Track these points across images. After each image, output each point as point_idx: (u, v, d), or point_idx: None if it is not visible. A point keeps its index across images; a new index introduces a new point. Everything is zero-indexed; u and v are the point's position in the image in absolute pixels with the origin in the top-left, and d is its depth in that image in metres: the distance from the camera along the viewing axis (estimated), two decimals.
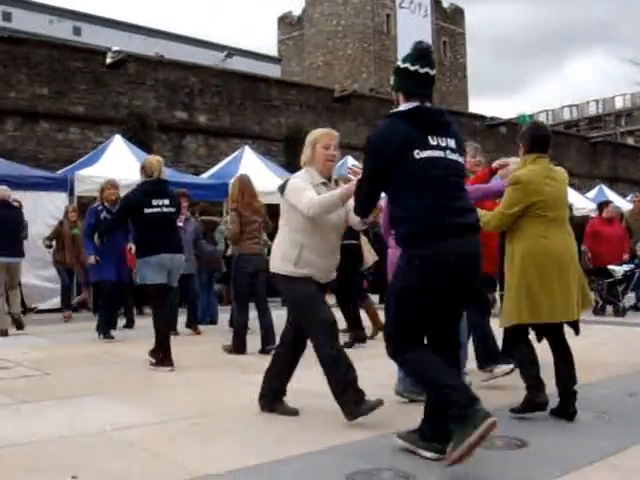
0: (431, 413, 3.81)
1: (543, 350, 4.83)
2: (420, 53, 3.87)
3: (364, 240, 8.66)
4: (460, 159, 3.85)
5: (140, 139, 16.51)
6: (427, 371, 3.68)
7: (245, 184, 8.19)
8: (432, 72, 3.87)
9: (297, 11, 60.98)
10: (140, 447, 4.09)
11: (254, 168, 15.74)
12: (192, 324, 9.98)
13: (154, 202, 7.01)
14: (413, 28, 55.30)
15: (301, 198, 4.51)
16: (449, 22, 60.06)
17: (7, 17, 37.44)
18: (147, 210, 6.97)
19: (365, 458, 3.74)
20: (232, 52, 36.39)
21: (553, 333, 4.77)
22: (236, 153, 17.01)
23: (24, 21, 35.91)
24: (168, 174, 13.46)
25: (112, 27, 39.40)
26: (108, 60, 18.77)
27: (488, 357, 5.72)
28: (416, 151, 3.67)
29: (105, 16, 42.09)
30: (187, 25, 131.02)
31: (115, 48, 19.39)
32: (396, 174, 3.73)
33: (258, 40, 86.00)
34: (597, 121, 69.18)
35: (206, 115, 20.28)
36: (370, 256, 8.76)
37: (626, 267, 11.69)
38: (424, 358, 3.71)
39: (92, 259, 9.11)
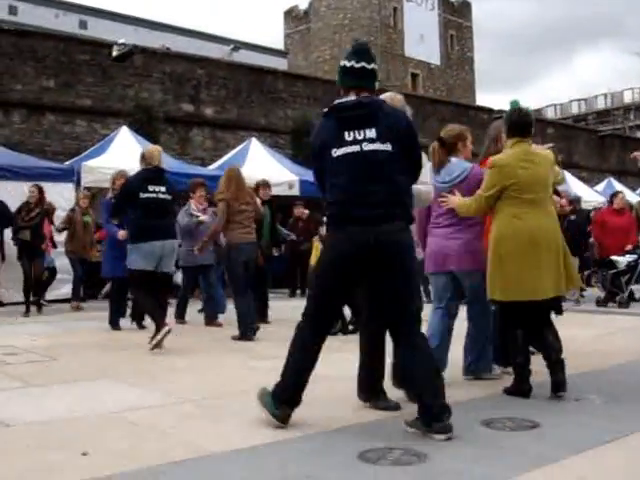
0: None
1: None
2: (354, 50, 4.16)
3: None
4: (383, 147, 3.93)
5: (146, 131, 16.48)
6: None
7: (233, 174, 8.33)
8: (369, 66, 4.10)
9: (303, 5, 60.87)
10: (148, 426, 4.11)
11: (261, 160, 15.73)
12: (210, 319, 9.52)
13: (150, 188, 7.26)
14: (420, 21, 55.65)
15: None
16: (456, 15, 59.84)
17: (13, 11, 37.47)
18: (143, 195, 7.22)
19: (378, 437, 3.73)
20: (238, 46, 36.28)
21: (537, 315, 4.82)
22: (243, 145, 16.99)
23: (30, 15, 35.94)
24: (174, 165, 13.64)
25: (118, 21, 39.44)
26: (114, 53, 18.70)
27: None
28: (333, 150, 3.96)
29: (111, 10, 42.19)
30: (193, 19, 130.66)
31: (121, 40, 19.33)
32: (323, 171, 4.08)
33: (264, 34, 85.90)
34: (606, 115, 68.80)
35: (213, 107, 20.25)
36: None
37: (629, 258, 11.58)
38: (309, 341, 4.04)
39: (122, 233, 8.61)
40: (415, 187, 4.29)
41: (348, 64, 4.09)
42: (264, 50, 44.75)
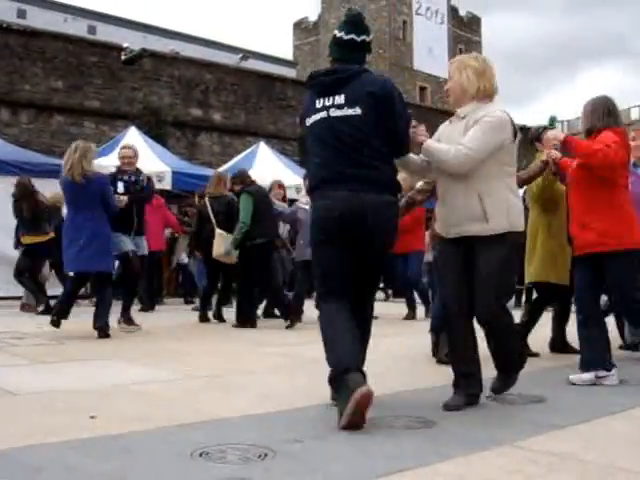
0: None
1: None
2: (346, 20, 4.00)
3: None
4: (350, 111, 3.76)
5: (155, 134, 16.47)
6: (326, 328, 3.74)
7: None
8: (358, 38, 3.92)
9: (313, 17, 61.15)
10: (158, 397, 4.17)
11: (269, 163, 15.69)
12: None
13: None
14: (429, 35, 55.81)
15: None
16: (466, 30, 60.05)
17: (22, 14, 37.67)
18: None
19: (386, 408, 3.76)
20: (247, 55, 36.30)
21: None
22: (251, 148, 16.98)
23: (39, 19, 36.05)
24: (182, 165, 13.82)
25: (127, 27, 39.62)
26: (122, 57, 18.74)
27: None
28: (307, 120, 3.92)
29: (120, 16, 42.41)
30: (202, 28, 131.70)
31: (125, 44, 19.33)
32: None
33: (273, 45, 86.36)
34: None
35: (221, 113, 20.30)
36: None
37: None
38: (330, 316, 3.77)
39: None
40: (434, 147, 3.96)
41: (338, 34, 3.96)
42: (273, 60, 44.87)
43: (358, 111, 3.75)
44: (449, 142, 3.94)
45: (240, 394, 4.26)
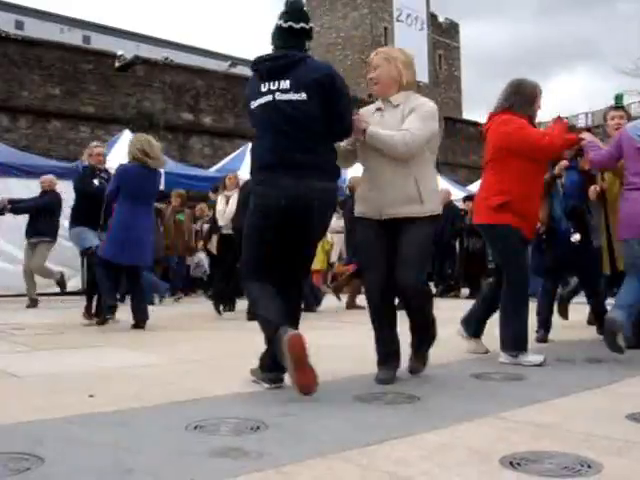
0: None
1: None
2: (286, 9, 3.99)
3: None
4: (296, 96, 3.80)
5: None
6: (257, 304, 3.91)
7: None
8: (297, 25, 3.94)
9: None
10: (153, 378, 4.29)
11: None
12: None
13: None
14: (409, 41, 56.50)
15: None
16: (444, 36, 60.91)
17: (20, 25, 38.25)
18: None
19: (372, 386, 3.93)
20: (236, 62, 37.03)
21: None
22: (240, 150, 17.62)
23: (36, 29, 36.54)
24: (174, 166, 14.53)
25: (120, 36, 40.17)
26: (116, 64, 19.50)
27: None
28: (252, 102, 3.92)
29: (114, 26, 42.86)
30: (193, 36, 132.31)
31: (119, 52, 20.09)
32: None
33: (261, 52, 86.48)
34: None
35: (211, 117, 20.91)
36: None
37: None
38: (260, 293, 3.86)
39: None
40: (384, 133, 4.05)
41: (277, 23, 3.98)
42: None
43: (303, 96, 3.79)
44: (387, 129, 4.05)
45: (232, 375, 4.32)
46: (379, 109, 4.24)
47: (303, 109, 3.79)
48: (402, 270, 4.00)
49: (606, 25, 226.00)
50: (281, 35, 3.97)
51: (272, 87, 3.83)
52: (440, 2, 56.68)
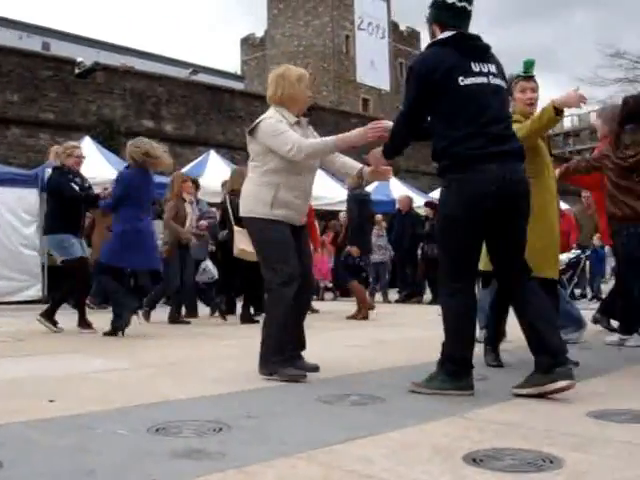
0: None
1: None
2: None
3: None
4: (503, 83, 3.80)
5: (108, 144, 17.00)
6: (451, 322, 3.77)
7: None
8: (469, 7, 3.84)
9: (260, 32, 62.01)
10: (115, 383, 4.26)
11: (219, 171, 16.32)
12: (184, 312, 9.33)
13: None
14: (370, 49, 57.05)
15: (285, 141, 4.28)
16: (405, 44, 61.54)
17: None
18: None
19: (336, 388, 3.95)
20: (197, 69, 36.90)
21: None
22: (202, 157, 17.56)
23: None
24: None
25: (80, 43, 39.80)
26: (76, 71, 19.32)
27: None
28: (460, 78, 3.65)
29: (73, 32, 42.70)
30: (154, 43, 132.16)
31: (79, 59, 19.91)
32: (439, 103, 3.71)
33: (222, 60, 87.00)
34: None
35: (172, 124, 20.82)
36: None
37: (571, 255, 12.38)
38: (457, 309, 3.75)
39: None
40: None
41: (449, 0, 3.80)
42: (222, 74, 45.34)
43: (504, 84, 3.80)
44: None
45: (194, 379, 4.34)
46: (300, 125, 4.56)
47: (505, 98, 3.82)
48: (306, 269, 4.50)
49: (563, 35, 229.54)
50: (456, 14, 3.82)
51: (484, 69, 3.72)
52: (401, 10, 57.22)
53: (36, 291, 12.86)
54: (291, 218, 4.45)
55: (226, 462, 2.48)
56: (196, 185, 10.21)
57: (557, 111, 4.32)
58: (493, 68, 3.75)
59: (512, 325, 5.91)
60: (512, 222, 3.72)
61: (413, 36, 62.67)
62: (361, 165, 4.59)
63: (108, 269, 7.12)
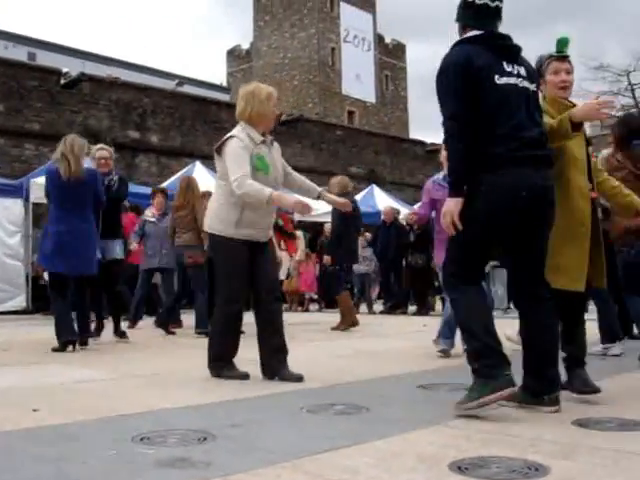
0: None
1: None
2: None
3: None
4: (532, 87, 3.63)
5: None
6: (467, 318, 3.57)
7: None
8: (492, 4, 3.62)
9: (245, 45, 62.12)
10: (100, 393, 4.25)
11: (204, 183, 16.35)
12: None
13: None
14: (356, 61, 57.28)
15: (236, 170, 4.45)
16: (391, 57, 61.80)
17: None
18: None
19: (320, 398, 3.92)
20: (183, 81, 36.98)
21: None
22: (187, 168, 17.54)
23: None
24: None
25: (66, 54, 39.82)
26: (62, 81, 19.29)
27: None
28: (496, 76, 3.49)
29: (59, 43, 42.67)
30: (140, 55, 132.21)
31: (65, 69, 19.89)
32: (475, 100, 3.48)
33: (208, 72, 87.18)
34: None
35: (158, 135, 20.82)
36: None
37: None
38: (471, 304, 3.57)
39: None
40: None
41: (479, 1, 3.61)
42: (207, 86, 45.49)
43: (533, 87, 3.65)
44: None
45: (179, 389, 4.34)
46: (266, 144, 4.83)
47: (536, 102, 3.68)
48: (271, 282, 4.79)
49: (546, 46, 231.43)
50: (476, 13, 3.63)
51: (514, 71, 3.55)
52: (387, 23, 57.54)
53: (20, 301, 12.89)
54: (256, 236, 4.67)
55: (211, 471, 2.47)
56: (165, 195, 10.19)
57: (574, 125, 3.73)
58: (522, 71, 3.59)
59: (502, 327, 6.02)
60: (537, 230, 3.58)
61: (399, 49, 62.99)
62: (320, 189, 4.92)
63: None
